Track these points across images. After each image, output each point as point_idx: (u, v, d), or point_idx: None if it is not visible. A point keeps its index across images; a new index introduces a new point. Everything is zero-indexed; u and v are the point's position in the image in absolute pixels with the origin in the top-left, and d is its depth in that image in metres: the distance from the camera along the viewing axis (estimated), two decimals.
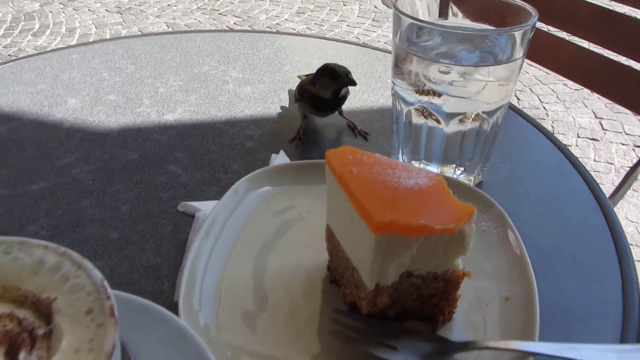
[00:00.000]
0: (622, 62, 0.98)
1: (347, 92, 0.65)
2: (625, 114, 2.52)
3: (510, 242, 0.46)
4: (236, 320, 0.40)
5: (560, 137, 2.36)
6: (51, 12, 3.65)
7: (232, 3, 3.77)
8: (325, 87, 0.62)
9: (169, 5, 3.75)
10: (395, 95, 0.55)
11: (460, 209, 0.36)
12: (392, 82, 0.55)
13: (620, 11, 0.96)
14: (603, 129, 2.44)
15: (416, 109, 0.53)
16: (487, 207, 0.49)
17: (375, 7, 3.73)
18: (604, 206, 0.57)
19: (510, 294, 0.42)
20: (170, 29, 3.38)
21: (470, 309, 0.41)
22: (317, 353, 0.38)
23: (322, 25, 3.42)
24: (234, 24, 3.45)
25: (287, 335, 0.39)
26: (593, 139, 2.37)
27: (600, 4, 0.99)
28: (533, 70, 2.86)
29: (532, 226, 0.52)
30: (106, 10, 3.69)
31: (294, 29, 3.39)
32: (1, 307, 0.27)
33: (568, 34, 1.05)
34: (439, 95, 0.51)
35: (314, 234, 0.47)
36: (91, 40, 3.24)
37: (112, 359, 0.24)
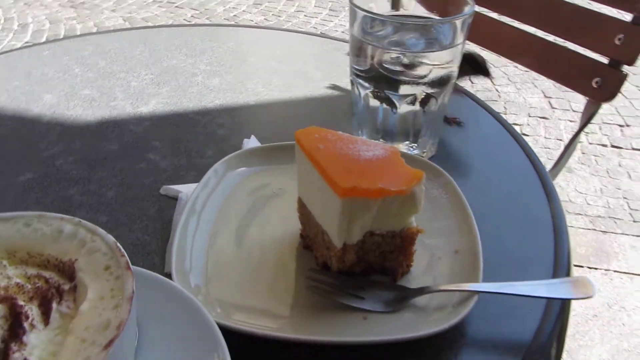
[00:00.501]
0: (560, 43, 1.07)
1: None
2: (572, 93, 2.65)
3: (458, 205, 0.53)
4: (223, 281, 0.46)
5: (512, 117, 2.48)
6: (1, 7, 3.57)
7: None
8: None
9: None
10: (353, 81, 0.61)
11: (411, 174, 0.42)
12: (350, 68, 0.61)
13: None
14: (552, 108, 2.56)
15: (372, 92, 0.59)
16: (437, 176, 0.56)
17: None
18: (540, 172, 0.64)
19: (459, 247, 0.49)
20: (128, 23, 3.36)
21: (425, 262, 0.48)
22: (296, 305, 0.44)
23: (279, 16, 3.45)
24: (192, 16, 3.45)
25: (270, 291, 0.45)
26: (543, 118, 2.49)
27: None
28: (485, 54, 2.97)
29: (478, 192, 0.59)
30: (59, 4, 3.62)
31: (252, 21, 3.42)
32: (29, 269, 0.32)
33: (513, 20, 1.13)
34: (392, 79, 0.57)
35: (287, 208, 0.53)
36: (45, 36, 3.20)
37: (132, 303, 0.29)
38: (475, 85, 2.71)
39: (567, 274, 0.50)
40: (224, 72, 0.84)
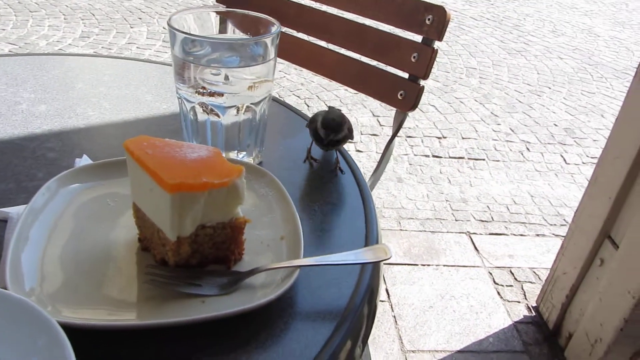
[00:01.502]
0: (370, 63, 1.22)
1: (345, 137, 0.70)
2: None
3: (282, 199, 0.60)
4: (57, 285, 0.47)
5: None
6: None
7: (4, 29, 3.50)
8: (321, 131, 0.69)
9: None
10: (179, 98, 0.66)
11: (232, 169, 0.48)
12: (176, 86, 0.66)
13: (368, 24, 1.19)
14: (380, 125, 2.82)
15: (198, 106, 0.64)
16: (263, 176, 0.63)
17: (163, 28, 3.77)
18: (354, 171, 0.73)
19: (284, 234, 0.56)
20: None
21: (255, 250, 0.54)
22: (136, 298, 0.47)
23: (110, 49, 3.36)
24: (10, 51, 3.22)
25: (109, 288, 0.48)
26: (374, 135, 2.73)
27: (350, 18, 1.21)
28: (318, 79, 3.18)
29: (302, 190, 0.67)
30: None
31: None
32: None
33: (331, 44, 1.26)
34: (215, 93, 0.63)
35: (124, 217, 0.56)
36: None
37: None
38: (310, 108, 2.89)
39: None
40: (50, 99, 0.84)
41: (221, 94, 0.63)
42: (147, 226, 0.51)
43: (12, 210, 0.57)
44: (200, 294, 0.48)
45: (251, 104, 0.65)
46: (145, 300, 0.47)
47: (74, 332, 0.39)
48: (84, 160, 0.66)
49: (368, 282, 0.54)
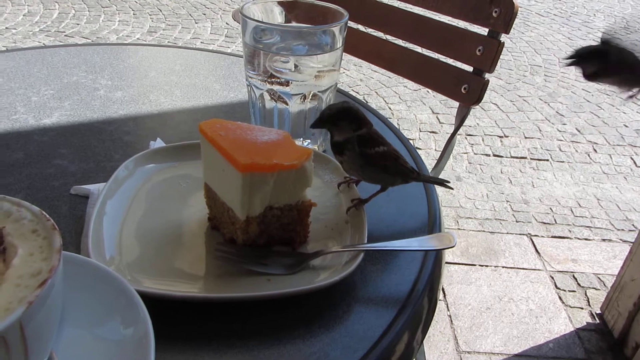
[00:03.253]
0: (432, 56, 1.21)
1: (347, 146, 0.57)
2: (456, 108, 2.91)
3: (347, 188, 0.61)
4: (136, 256, 0.50)
5: (405, 132, 2.66)
6: None
7: (78, 24, 3.68)
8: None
9: (7, 28, 3.56)
10: (249, 85, 0.68)
11: (302, 152, 0.49)
12: (246, 74, 0.68)
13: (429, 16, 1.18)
14: (440, 123, 2.78)
15: (266, 93, 0.66)
16: (327, 162, 0.64)
17: (227, 23, 3.86)
18: (416, 160, 0.73)
19: (348, 219, 0.56)
20: None
21: (320, 232, 0.55)
22: (206, 272, 0.50)
23: (176, 43, 3.47)
24: (109, 42, 3.38)
25: (181, 263, 0.50)
26: (432, 132, 2.69)
27: (412, 10, 1.21)
28: (377, 76, 3.17)
29: None
30: None
31: None
32: None
33: (391, 36, 1.26)
34: (283, 80, 0.64)
35: (194, 197, 0.58)
36: None
37: (61, 255, 0.33)
38: (370, 104, 2.88)
39: None
40: (125, 86, 0.88)
41: (288, 83, 0.64)
42: (218, 206, 0.53)
43: (93, 187, 0.60)
44: (267, 272, 0.49)
45: (317, 92, 0.66)
46: (215, 276, 0.49)
47: (148, 299, 0.41)
48: (158, 143, 0.69)
49: (431, 270, 0.54)
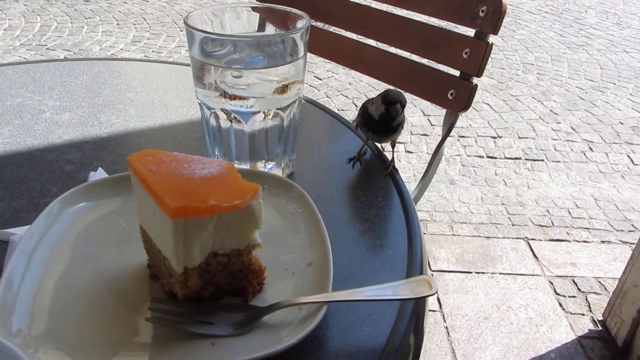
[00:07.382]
0: (417, 60, 1.13)
1: (402, 123, 0.66)
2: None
3: (311, 218, 0.53)
4: (52, 321, 0.41)
5: None
6: None
7: (60, 37, 3.59)
8: (377, 108, 0.63)
9: None
10: (200, 103, 0.60)
11: (247, 188, 0.41)
12: (196, 91, 0.59)
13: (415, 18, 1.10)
14: (431, 125, 2.70)
15: (220, 112, 0.58)
16: (290, 190, 0.55)
17: None
18: (396, 183, 0.65)
19: (312, 260, 0.48)
20: None
21: (278, 279, 0.47)
22: (138, 338, 0.41)
23: (160, 53, 3.39)
24: (65, 58, 3.29)
25: (108, 325, 0.42)
26: (424, 135, 2.61)
27: (393, 12, 1.13)
28: (367, 79, 3.09)
29: (337, 205, 0.60)
30: None
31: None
32: None
33: (375, 41, 1.18)
34: (237, 97, 0.56)
35: (135, 238, 0.49)
36: None
37: None
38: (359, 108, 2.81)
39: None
40: (75, 106, 0.80)
41: (244, 98, 0.56)
42: (155, 253, 0.45)
43: (17, 232, 0.52)
44: (212, 334, 0.41)
45: (278, 108, 0.58)
46: (148, 341, 0.41)
47: None
48: (99, 174, 0.61)
49: (408, 319, 0.45)
